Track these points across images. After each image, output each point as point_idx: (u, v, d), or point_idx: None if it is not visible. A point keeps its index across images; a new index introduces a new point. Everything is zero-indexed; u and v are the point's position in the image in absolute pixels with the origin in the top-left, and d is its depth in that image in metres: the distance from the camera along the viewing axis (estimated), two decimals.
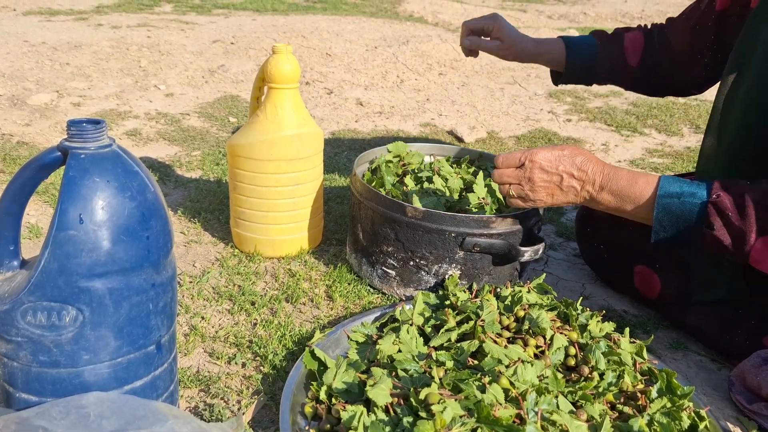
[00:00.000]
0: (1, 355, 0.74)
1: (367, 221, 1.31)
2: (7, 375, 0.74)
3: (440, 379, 0.93)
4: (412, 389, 0.89)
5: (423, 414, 0.83)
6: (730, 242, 0.96)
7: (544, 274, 1.22)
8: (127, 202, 0.71)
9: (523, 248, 1.22)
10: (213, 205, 1.66)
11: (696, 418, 0.92)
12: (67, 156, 0.71)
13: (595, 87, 3.24)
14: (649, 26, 1.49)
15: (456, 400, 0.85)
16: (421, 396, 0.85)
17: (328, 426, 0.89)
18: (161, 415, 0.68)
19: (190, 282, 1.32)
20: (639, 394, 0.96)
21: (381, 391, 0.89)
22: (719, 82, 1.20)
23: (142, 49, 3.16)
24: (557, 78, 1.56)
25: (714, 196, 0.96)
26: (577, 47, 1.48)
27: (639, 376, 0.99)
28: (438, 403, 0.83)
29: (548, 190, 1.08)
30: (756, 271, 0.99)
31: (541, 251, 1.25)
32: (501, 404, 0.85)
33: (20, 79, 2.60)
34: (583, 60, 1.47)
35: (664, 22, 1.47)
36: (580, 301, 1.14)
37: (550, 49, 1.48)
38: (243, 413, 0.95)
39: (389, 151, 1.53)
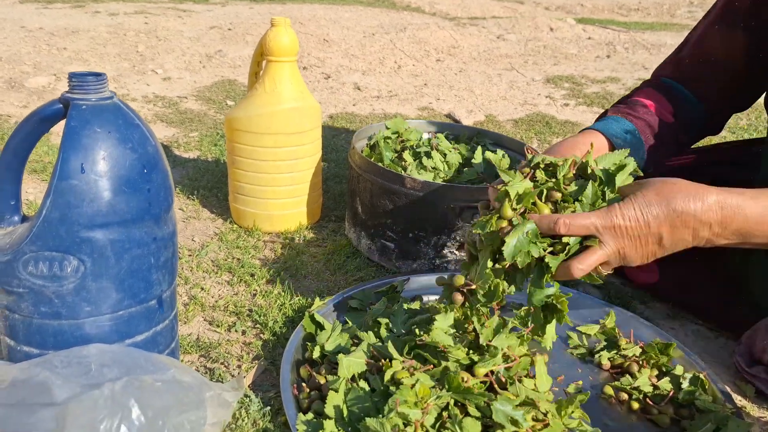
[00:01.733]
0: (3, 307, 0.74)
1: (366, 194, 1.31)
2: (9, 328, 0.74)
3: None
4: (385, 362, 0.86)
5: (392, 388, 0.80)
6: None
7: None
8: (129, 153, 0.71)
9: None
10: (211, 183, 1.66)
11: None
12: (68, 108, 0.71)
13: (592, 73, 3.24)
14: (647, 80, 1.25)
15: (424, 371, 0.84)
16: (387, 376, 0.82)
17: (314, 391, 0.89)
18: (163, 365, 0.69)
19: (189, 255, 1.32)
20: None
21: (354, 361, 0.88)
22: None
23: (139, 34, 3.16)
24: None
25: None
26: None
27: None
28: (409, 377, 0.81)
29: (645, 254, 0.82)
30: None
31: None
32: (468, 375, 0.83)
33: (17, 62, 2.59)
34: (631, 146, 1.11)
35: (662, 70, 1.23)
36: None
37: None
38: (243, 376, 0.96)
39: (387, 128, 1.53)
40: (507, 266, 0.84)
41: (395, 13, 4.27)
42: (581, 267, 0.79)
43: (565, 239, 0.80)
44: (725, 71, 1.15)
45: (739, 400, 1.00)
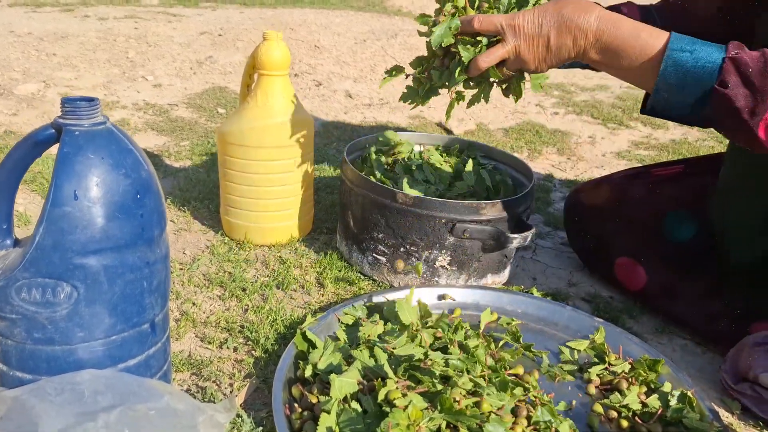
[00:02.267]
0: None
1: (358, 208, 1.32)
2: (1, 354, 0.74)
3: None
4: (378, 381, 0.87)
5: (386, 408, 0.82)
6: (743, 104, 0.85)
7: None
8: (122, 179, 0.71)
9: (512, 235, 1.24)
10: (202, 194, 1.66)
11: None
12: (61, 133, 0.71)
13: (581, 81, 3.26)
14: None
15: (417, 392, 0.85)
16: (381, 396, 0.83)
17: (306, 411, 0.90)
18: (156, 392, 0.69)
19: (181, 269, 1.32)
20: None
21: (346, 381, 0.89)
22: None
23: (129, 40, 3.14)
24: None
25: (733, 52, 0.86)
26: None
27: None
28: (402, 397, 0.83)
29: (536, 55, 0.97)
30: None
31: (529, 238, 1.27)
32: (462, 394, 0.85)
33: (6, 69, 2.57)
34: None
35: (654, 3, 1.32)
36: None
37: None
38: (235, 396, 0.96)
39: (379, 140, 1.54)
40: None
41: (386, 18, 4.27)
42: (486, 59, 0.99)
43: (478, 38, 1.00)
44: (701, 24, 1.19)
45: (725, 417, 1.01)
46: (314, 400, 0.90)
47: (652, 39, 0.89)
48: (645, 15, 1.28)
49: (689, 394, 0.96)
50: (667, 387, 0.99)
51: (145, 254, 0.75)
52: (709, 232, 1.23)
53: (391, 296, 1.16)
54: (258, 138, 1.33)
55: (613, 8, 1.26)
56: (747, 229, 1.14)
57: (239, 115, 1.36)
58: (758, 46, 0.88)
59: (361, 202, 1.30)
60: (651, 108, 0.93)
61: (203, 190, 1.68)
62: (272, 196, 1.39)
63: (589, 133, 2.43)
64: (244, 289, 1.25)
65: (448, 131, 2.34)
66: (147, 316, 0.77)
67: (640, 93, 3.04)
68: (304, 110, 1.39)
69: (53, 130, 0.72)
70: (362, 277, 1.33)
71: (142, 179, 0.73)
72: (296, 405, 0.90)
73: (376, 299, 1.17)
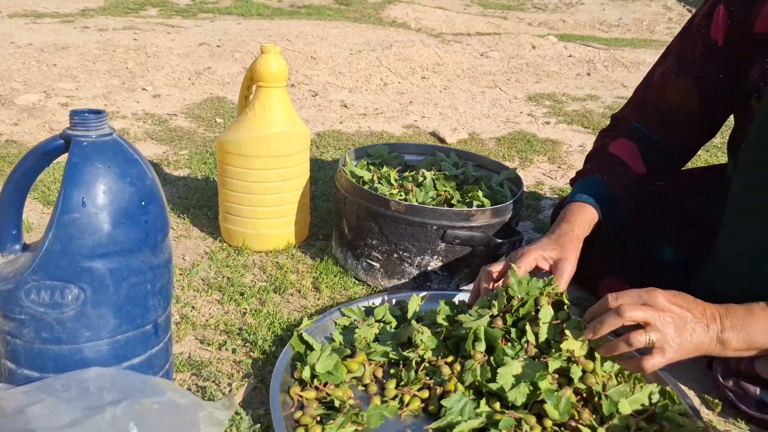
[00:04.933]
0: (5, 333, 0.77)
1: (352, 216, 1.36)
2: (10, 353, 0.78)
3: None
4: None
5: None
6: None
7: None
8: (127, 187, 0.75)
9: (501, 240, 1.28)
10: (201, 202, 1.70)
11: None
12: (69, 144, 0.75)
13: (572, 91, 3.32)
14: (618, 121, 1.36)
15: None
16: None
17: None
18: (159, 388, 0.73)
19: (180, 274, 1.36)
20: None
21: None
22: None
23: (128, 51, 3.19)
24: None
25: None
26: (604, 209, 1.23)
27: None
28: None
29: (678, 325, 0.90)
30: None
31: (518, 244, 1.31)
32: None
33: (7, 79, 2.62)
34: (613, 213, 1.25)
35: (628, 112, 1.34)
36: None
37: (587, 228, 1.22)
38: (234, 394, 1.00)
39: (369, 155, 1.58)
40: None
41: (381, 29, 4.33)
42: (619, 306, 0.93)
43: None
44: (683, 117, 1.25)
45: (706, 414, 1.05)
46: (309, 396, 0.94)
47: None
48: (639, 141, 1.28)
49: (668, 389, 1.00)
50: (651, 386, 1.03)
51: (149, 258, 0.79)
52: (692, 258, 1.26)
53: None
54: (256, 148, 1.37)
55: (606, 150, 1.29)
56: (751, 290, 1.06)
57: (238, 125, 1.40)
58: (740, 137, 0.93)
59: (355, 210, 1.34)
60: None
61: (202, 198, 1.72)
62: (269, 203, 1.43)
63: (580, 142, 2.48)
64: (242, 294, 1.29)
65: (442, 140, 2.39)
66: (150, 317, 0.81)
67: None
68: (301, 121, 1.44)
69: (62, 141, 0.76)
70: (357, 282, 1.37)
71: (146, 187, 0.78)
72: (292, 404, 0.95)
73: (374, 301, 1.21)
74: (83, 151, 0.74)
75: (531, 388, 0.93)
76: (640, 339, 0.88)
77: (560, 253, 1.12)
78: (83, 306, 0.74)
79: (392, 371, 1.05)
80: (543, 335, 0.98)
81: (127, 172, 0.75)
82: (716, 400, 1.07)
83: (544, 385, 0.93)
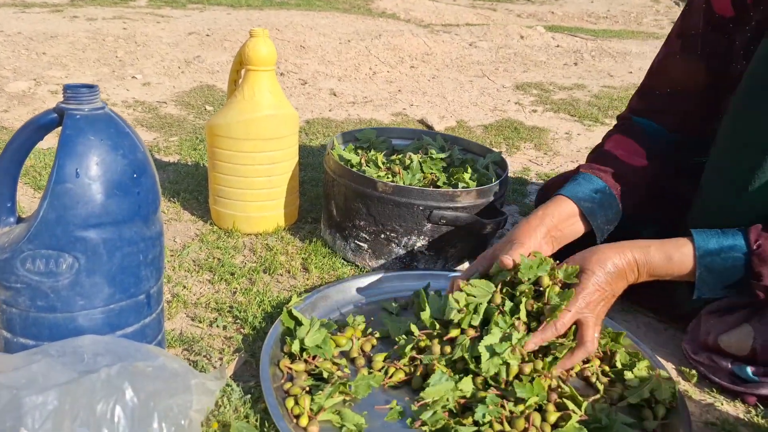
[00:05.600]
0: (1, 302, 0.79)
1: (340, 197, 1.38)
2: (6, 321, 0.80)
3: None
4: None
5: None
6: None
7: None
8: (120, 159, 0.77)
9: (486, 221, 1.31)
10: (192, 186, 1.72)
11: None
12: (63, 117, 0.77)
13: (560, 80, 3.35)
14: (620, 121, 1.34)
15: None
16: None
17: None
18: (152, 354, 0.75)
19: (171, 255, 1.38)
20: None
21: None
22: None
23: (118, 40, 3.19)
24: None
25: (755, 246, 0.95)
26: (594, 213, 1.18)
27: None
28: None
29: (608, 303, 1.03)
30: None
31: (503, 224, 1.34)
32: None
33: None
34: (606, 215, 1.21)
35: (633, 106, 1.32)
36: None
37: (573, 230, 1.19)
38: (225, 367, 1.02)
39: (358, 139, 1.60)
40: None
41: (371, 20, 4.35)
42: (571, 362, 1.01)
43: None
44: (690, 98, 1.22)
45: (683, 384, 1.09)
46: (299, 369, 0.97)
47: (680, 255, 1.00)
48: (636, 136, 1.26)
49: (639, 352, 1.05)
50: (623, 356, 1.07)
51: (141, 230, 0.81)
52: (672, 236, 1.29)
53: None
54: (245, 130, 1.39)
55: (602, 149, 1.27)
56: None
57: (227, 108, 1.42)
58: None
59: (343, 191, 1.37)
60: (699, 297, 1.03)
61: (192, 183, 1.74)
62: (259, 186, 1.45)
63: (566, 129, 2.51)
64: (232, 274, 1.32)
65: (430, 128, 2.41)
66: (143, 287, 0.83)
67: (615, 92, 3.13)
68: (290, 105, 1.46)
69: (56, 115, 0.78)
70: (345, 262, 1.40)
71: (138, 160, 0.80)
72: (282, 376, 0.97)
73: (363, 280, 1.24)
74: (76, 123, 0.76)
75: (501, 361, 0.96)
76: (595, 344, 1.00)
77: (511, 237, 1.12)
78: (77, 275, 0.77)
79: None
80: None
81: (119, 145, 0.77)
82: (692, 372, 1.11)
83: (512, 359, 0.95)
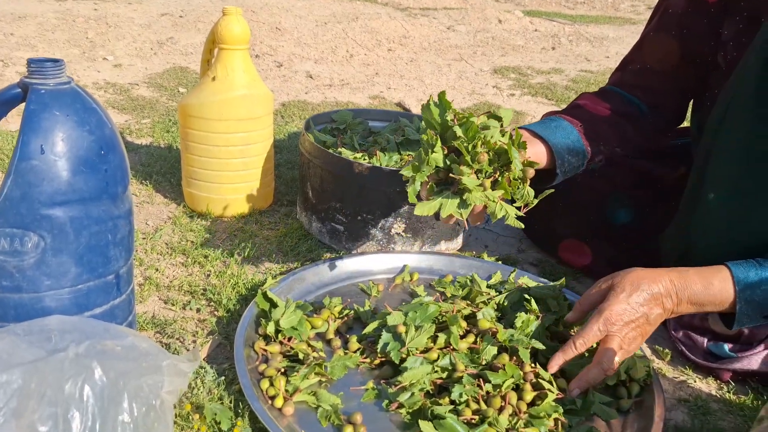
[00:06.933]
0: None
1: (316, 179, 1.37)
2: None
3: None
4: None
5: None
6: None
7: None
8: (86, 135, 0.75)
9: None
10: (164, 169, 1.69)
11: None
12: (27, 92, 0.75)
13: (537, 65, 3.35)
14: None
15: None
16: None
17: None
18: (121, 333, 0.73)
19: (144, 238, 1.35)
20: None
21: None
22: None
23: (89, 21, 3.12)
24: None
25: None
26: (558, 144, 1.16)
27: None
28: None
29: (641, 332, 0.97)
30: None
31: None
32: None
33: None
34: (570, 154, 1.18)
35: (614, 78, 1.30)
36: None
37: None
38: (199, 349, 1.01)
39: (334, 121, 1.58)
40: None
41: (347, 2, 4.31)
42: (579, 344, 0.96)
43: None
44: (662, 76, 1.22)
45: (657, 363, 1.10)
46: (273, 351, 0.96)
47: (723, 284, 0.95)
48: (603, 94, 1.26)
49: None
50: None
51: (109, 208, 0.79)
52: (647, 218, 1.29)
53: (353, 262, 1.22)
54: (218, 111, 1.36)
55: (572, 107, 1.26)
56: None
57: (200, 88, 1.39)
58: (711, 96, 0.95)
59: (319, 173, 1.35)
60: (738, 327, 0.99)
61: (165, 165, 1.71)
62: (233, 168, 1.43)
63: (544, 112, 2.51)
64: (206, 256, 1.30)
65: (407, 111, 2.40)
66: (112, 267, 0.81)
67: (592, 76, 3.14)
68: (264, 85, 1.43)
69: (19, 90, 0.75)
70: (321, 245, 1.39)
71: (106, 137, 0.78)
72: (257, 357, 0.96)
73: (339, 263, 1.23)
74: (41, 98, 0.73)
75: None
76: (613, 366, 0.94)
77: None
78: (43, 254, 0.74)
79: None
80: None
81: (85, 120, 0.75)
82: (666, 350, 1.12)
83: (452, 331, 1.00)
